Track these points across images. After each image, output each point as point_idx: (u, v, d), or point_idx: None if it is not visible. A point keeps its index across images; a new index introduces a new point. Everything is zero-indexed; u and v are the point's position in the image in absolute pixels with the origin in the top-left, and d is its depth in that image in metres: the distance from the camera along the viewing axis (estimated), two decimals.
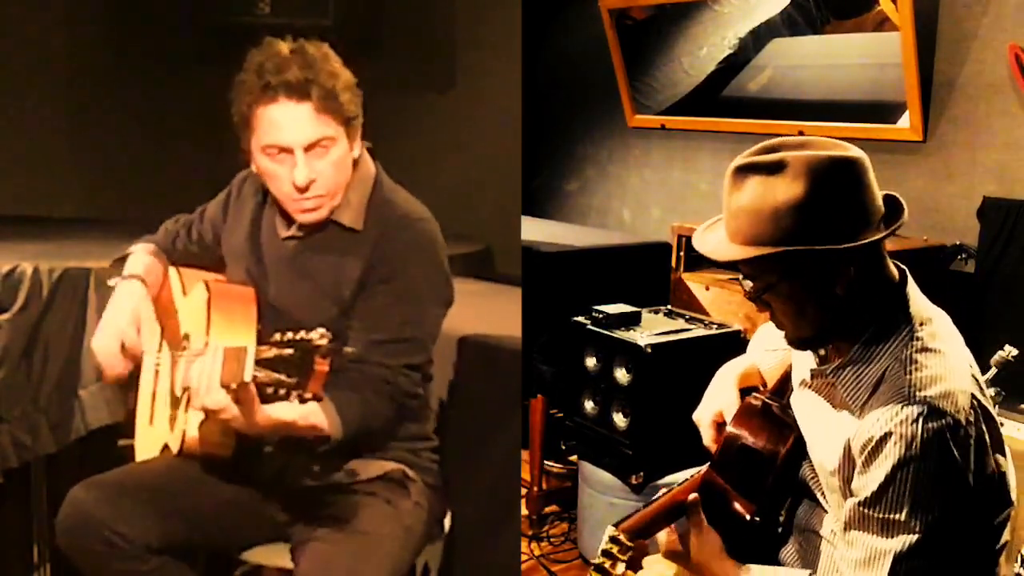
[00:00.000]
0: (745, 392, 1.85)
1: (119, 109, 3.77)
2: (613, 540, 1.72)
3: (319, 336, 1.65)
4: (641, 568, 1.74)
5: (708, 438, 1.84)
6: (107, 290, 2.15)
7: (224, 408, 1.76)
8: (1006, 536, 1.59)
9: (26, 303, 2.55)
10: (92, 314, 2.60)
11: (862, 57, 3.49)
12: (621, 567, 1.71)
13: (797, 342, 1.65)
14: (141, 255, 2.18)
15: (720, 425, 1.81)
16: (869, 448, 1.49)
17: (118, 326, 2.05)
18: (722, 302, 3.36)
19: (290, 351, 1.65)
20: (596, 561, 1.72)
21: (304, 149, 1.89)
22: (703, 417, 1.86)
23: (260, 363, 1.66)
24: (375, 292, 1.97)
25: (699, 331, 3.09)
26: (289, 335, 1.67)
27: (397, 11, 3.70)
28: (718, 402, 1.85)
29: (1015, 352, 2.56)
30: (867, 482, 1.49)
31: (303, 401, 1.69)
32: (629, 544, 1.71)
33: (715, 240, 1.61)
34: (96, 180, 3.78)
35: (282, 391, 1.67)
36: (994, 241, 3.13)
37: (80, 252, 2.78)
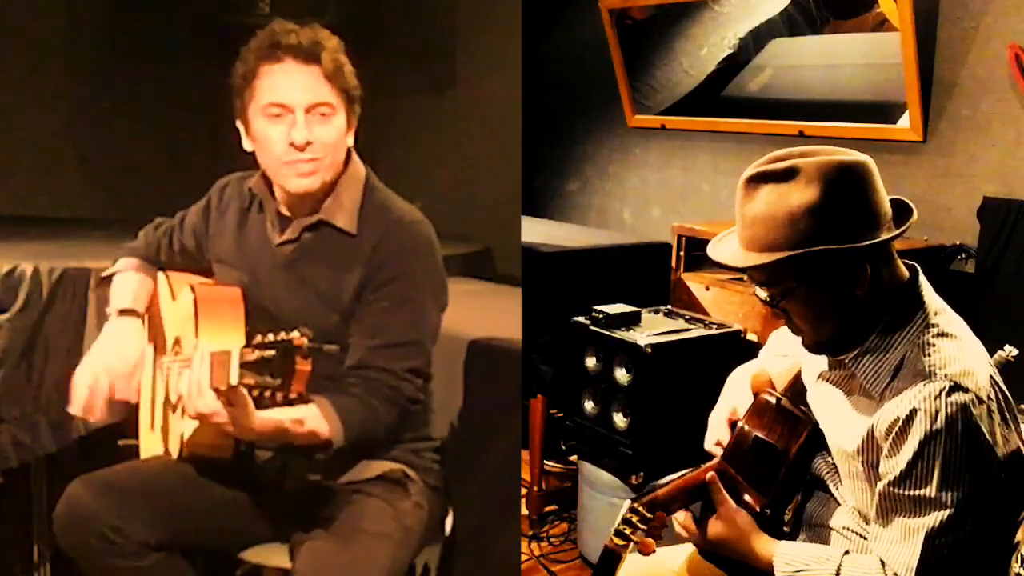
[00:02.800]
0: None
1: (119, 109, 3.78)
2: (632, 511, 1.72)
3: (299, 336, 1.65)
4: (661, 538, 1.73)
5: (719, 438, 1.83)
6: (106, 291, 2.14)
7: (216, 412, 1.76)
8: (1019, 535, 1.59)
9: (26, 303, 2.55)
10: (92, 314, 2.60)
11: (862, 57, 3.48)
12: (640, 534, 1.71)
13: (815, 347, 1.65)
14: (128, 276, 2.16)
15: (734, 424, 1.81)
16: (896, 429, 1.51)
17: (99, 365, 2.01)
18: (722, 302, 3.36)
19: (272, 352, 1.65)
20: (616, 528, 1.71)
21: (305, 111, 1.91)
22: (718, 416, 1.87)
23: (244, 366, 1.66)
24: (375, 297, 1.96)
25: (699, 331, 3.09)
26: (270, 336, 1.67)
27: (397, 11, 3.71)
28: (732, 401, 1.86)
29: (1015, 352, 2.55)
30: (896, 462, 1.51)
31: (288, 402, 1.69)
32: (648, 515, 1.71)
33: (731, 250, 1.62)
34: (96, 180, 3.79)
35: (267, 393, 1.68)
36: (994, 241, 3.13)
37: (80, 252, 2.78)
